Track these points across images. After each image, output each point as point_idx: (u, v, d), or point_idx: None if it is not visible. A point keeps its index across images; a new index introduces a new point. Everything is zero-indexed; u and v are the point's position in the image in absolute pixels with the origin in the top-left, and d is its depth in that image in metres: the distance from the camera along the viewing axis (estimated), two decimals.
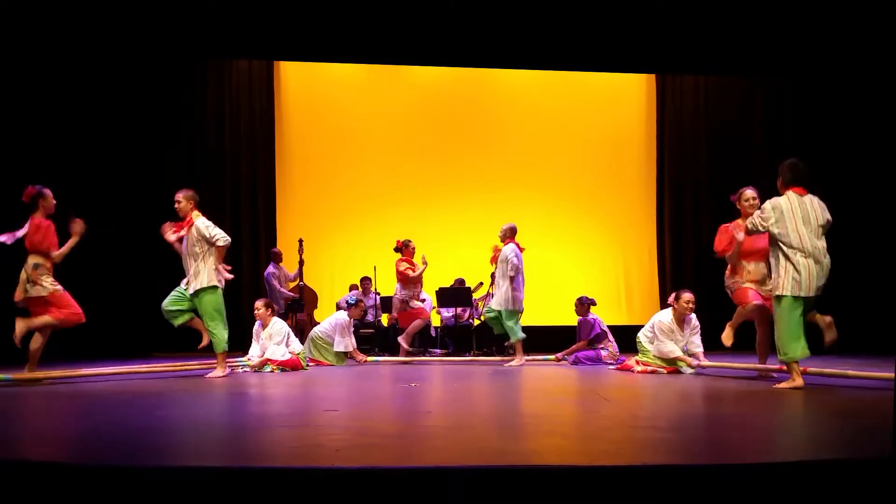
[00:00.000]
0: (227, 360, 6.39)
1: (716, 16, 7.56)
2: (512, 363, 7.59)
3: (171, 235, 6.14)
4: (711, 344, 6.76)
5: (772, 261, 5.01)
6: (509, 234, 7.72)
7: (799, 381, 4.90)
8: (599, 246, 10.75)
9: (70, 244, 5.86)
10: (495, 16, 7.51)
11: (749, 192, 5.73)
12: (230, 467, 2.58)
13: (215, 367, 6.22)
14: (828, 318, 5.02)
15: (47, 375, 5.88)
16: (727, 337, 5.86)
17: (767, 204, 5.00)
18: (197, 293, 6.06)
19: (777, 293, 4.91)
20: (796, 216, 4.88)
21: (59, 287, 5.78)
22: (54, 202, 5.82)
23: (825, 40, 7.72)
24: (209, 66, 10.11)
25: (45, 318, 5.70)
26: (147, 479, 2.42)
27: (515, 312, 7.61)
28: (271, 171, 10.33)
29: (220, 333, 6.12)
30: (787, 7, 7.39)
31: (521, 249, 7.69)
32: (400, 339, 8.47)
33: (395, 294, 8.75)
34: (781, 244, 4.89)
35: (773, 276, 5.00)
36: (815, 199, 4.97)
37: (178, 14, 7.23)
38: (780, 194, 5.03)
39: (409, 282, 8.60)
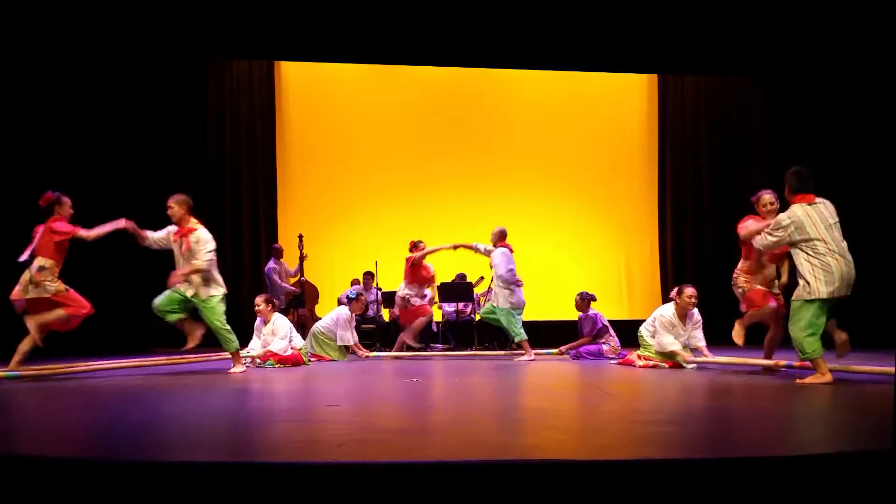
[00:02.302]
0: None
1: (716, 16, 7.56)
2: (522, 358, 7.62)
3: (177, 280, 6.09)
4: (714, 338, 6.76)
5: (798, 268, 4.91)
6: (499, 238, 7.79)
7: (828, 377, 4.84)
8: (601, 242, 10.78)
9: (106, 229, 5.84)
10: (495, 16, 7.51)
11: (767, 197, 5.67)
12: (232, 462, 2.59)
13: (233, 364, 6.27)
14: (843, 336, 5.01)
15: (50, 371, 5.88)
16: (739, 336, 5.80)
17: (782, 216, 4.96)
18: (204, 300, 6.09)
19: (808, 298, 4.79)
20: (814, 220, 4.84)
21: (63, 287, 5.73)
22: (71, 211, 5.79)
23: (825, 40, 7.71)
24: (209, 66, 10.13)
25: (58, 312, 5.67)
26: (148, 474, 2.42)
27: (512, 313, 7.66)
28: (272, 169, 10.35)
29: (229, 336, 6.19)
30: (787, 7, 7.40)
31: (511, 251, 7.75)
32: (405, 336, 8.35)
33: (399, 291, 8.72)
34: (809, 250, 4.81)
35: (800, 282, 4.89)
36: (822, 203, 4.93)
37: (178, 14, 7.24)
38: (788, 202, 4.99)
39: (417, 280, 8.43)
